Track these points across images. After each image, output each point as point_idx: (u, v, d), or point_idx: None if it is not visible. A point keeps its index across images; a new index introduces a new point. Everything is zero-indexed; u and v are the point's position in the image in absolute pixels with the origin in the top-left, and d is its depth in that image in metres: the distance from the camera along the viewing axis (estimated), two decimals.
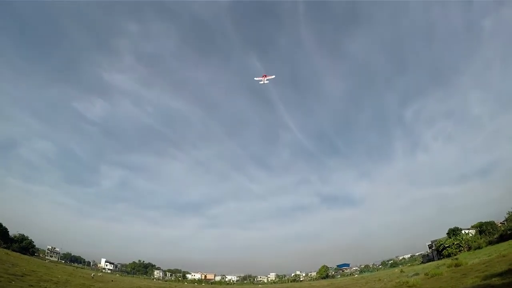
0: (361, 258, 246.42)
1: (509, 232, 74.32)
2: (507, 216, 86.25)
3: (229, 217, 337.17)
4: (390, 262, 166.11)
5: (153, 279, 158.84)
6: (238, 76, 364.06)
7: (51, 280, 49.75)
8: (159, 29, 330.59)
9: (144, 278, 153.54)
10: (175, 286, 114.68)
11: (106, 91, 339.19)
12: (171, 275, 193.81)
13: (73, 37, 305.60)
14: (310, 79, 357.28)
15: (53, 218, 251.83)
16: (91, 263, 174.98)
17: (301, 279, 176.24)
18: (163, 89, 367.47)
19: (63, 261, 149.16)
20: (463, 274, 34.98)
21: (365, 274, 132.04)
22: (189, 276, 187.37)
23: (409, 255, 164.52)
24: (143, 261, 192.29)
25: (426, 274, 46.24)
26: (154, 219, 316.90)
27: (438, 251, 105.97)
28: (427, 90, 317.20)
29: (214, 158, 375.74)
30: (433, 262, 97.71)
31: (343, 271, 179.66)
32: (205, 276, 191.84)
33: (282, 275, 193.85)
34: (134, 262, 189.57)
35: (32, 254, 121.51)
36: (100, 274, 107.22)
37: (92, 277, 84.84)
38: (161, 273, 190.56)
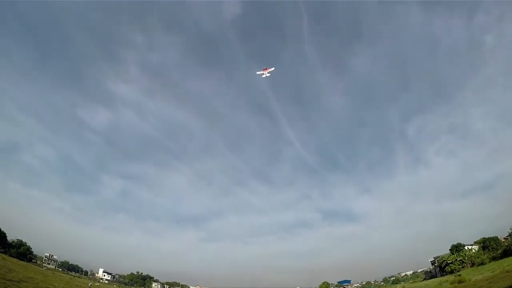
0: (362, 275, 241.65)
1: None
2: (510, 231, 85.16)
3: (229, 231, 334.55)
4: (392, 278, 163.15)
5: None
6: (241, 89, 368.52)
7: None
8: (164, 41, 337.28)
9: None
10: None
11: (110, 100, 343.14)
12: (169, 287, 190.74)
13: (80, 45, 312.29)
14: (313, 94, 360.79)
15: (52, 225, 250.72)
16: (88, 273, 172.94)
17: None
18: (167, 100, 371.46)
19: (61, 269, 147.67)
20: None
21: None
22: None
23: (411, 272, 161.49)
24: (141, 273, 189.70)
25: None
26: (153, 230, 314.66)
27: (440, 267, 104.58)
28: (430, 105, 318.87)
29: (215, 171, 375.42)
30: (436, 278, 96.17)
31: (344, 287, 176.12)
32: None
33: None
34: (132, 274, 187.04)
35: (30, 260, 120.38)
36: (97, 284, 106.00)
37: (89, 287, 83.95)
38: (159, 286, 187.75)
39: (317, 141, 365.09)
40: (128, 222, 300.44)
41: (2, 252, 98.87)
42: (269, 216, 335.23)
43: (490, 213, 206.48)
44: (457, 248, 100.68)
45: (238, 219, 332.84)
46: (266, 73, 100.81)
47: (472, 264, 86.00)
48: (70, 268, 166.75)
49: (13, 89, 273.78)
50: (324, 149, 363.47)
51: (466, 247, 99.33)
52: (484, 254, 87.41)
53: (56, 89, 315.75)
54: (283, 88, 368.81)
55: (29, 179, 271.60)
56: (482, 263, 78.46)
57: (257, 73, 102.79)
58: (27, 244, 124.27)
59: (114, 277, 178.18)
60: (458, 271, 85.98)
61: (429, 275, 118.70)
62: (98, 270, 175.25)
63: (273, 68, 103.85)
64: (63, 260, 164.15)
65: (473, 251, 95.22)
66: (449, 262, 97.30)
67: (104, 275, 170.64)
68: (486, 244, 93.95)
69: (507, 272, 40.07)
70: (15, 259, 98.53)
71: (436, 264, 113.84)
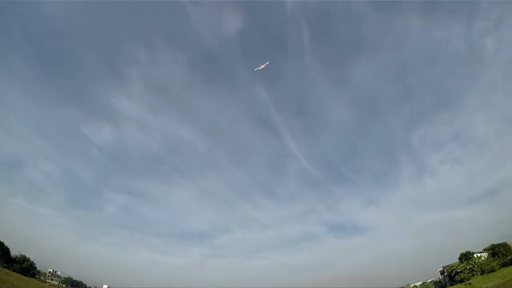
0: (370, 287, 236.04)
1: None
2: None
3: (234, 246, 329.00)
4: None
5: None
6: (244, 104, 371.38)
7: None
8: (167, 57, 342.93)
9: None
10: None
11: (114, 117, 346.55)
12: None
13: (85, 62, 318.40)
14: (315, 107, 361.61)
15: (56, 240, 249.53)
16: None
17: None
18: (170, 116, 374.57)
19: (64, 285, 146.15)
20: None
21: None
22: None
23: (420, 282, 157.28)
24: None
25: None
26: (157, 246, 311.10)
27: (450, 276, 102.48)
28: (432, 114, 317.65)
29: (219, 186, 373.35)
30: None
31: None
32: None
33: None
34: None
35: (33, 276, 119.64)
36: None
37: None
38: None
39: (321, 153, 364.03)
40: (132, 238, 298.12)
41: (5, 267, 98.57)
42: (275, 231, 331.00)
43: (498, 219, 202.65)
44: (466, 256, 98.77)
45: (243, 234, 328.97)
46: (262, 66, 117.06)
47: (482, 272, 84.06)
48: (73, 284, 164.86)
49: (18, 105, 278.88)
50: (328, 161, 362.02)
51: (475, 255, 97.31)
52: (493, 261, 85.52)
53: (61, 105, 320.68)
54: (286, 102, 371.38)
55: (33, 195, 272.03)
56: (492, 270, 76.77)
57: (255, 69, 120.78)
58: (31, 260, 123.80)
59: None
60: (468, 280, 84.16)
61: (439, 285, 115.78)
62: (102, 286, 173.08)
63: (267, 62, 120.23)
64: (66, 276, 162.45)
65: (483, 258, 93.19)
66: (458, 270, 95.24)
67: None
68: (495, 250, 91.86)
69: None
70: (19, 275, 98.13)
71: (445, 274, 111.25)
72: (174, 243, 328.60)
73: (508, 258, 78.69)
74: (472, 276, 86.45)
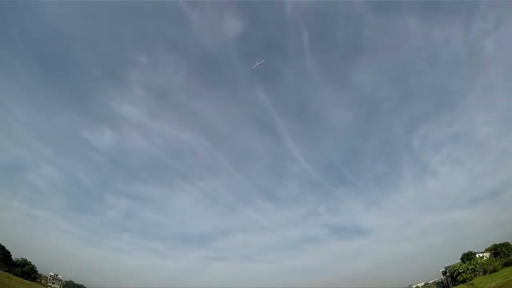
0: None
1: None
2: None
3: (236, 249, 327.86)
4: None
5: None
6: (245, 108, 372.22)
7: None
8: (168, 62, 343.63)
9: None
10: None
11: (115, 121, 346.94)
12: None
13: (85, 67, 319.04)
14: (316, 110, 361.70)
15: (57, 244, 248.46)
16: None
17: None
18: (171, 120, 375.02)
19: None
20: None
21: None
22: None
23: (422, 283, 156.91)
24: None
25: None
26: (159, 250, 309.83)
27: (452, 277, 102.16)
28: (433, 115, 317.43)
29: (221, 190, 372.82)
30: None
31: None
32: None
33: None
34: None
35: (34, 279, 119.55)
36: None
37: None
38: None
39: (322, 156, 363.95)
40: (133, 242, 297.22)
41: (6, 271, 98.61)
42: (276, 233, 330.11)
43: (499, 219, 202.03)
44: (468, 257, 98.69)
45: (245, 237, 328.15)
46: (257, 65, 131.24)
47: (484, 272, 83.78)
48: (75, 287, 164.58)
49: (20, 110, 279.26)
50: (329, 164, 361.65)
51: (477, 255, 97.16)
52: (496, 260, 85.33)
53: (62, 110, 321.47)
54: (286, 105, 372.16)
55: (34, 198, 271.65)
56: (495, 270, 76.53)
57: (253, 67, 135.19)
58: (32, 263, 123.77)
59: None
60: (471, 280, 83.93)
61: (441, 285, 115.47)
62: None
63: (263, 60, 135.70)
64: (68, 280, 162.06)
65: (485, 258, 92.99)
66: (460, 271, 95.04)
67: None
68: (497, 250, 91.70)
69: None
70: (20, 278, 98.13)
71: (447, 274, 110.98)
72: (176, 247, 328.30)
73: (510, 257, 78.56)
74: (474, 276, 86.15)
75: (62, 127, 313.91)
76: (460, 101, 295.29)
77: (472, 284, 75.16)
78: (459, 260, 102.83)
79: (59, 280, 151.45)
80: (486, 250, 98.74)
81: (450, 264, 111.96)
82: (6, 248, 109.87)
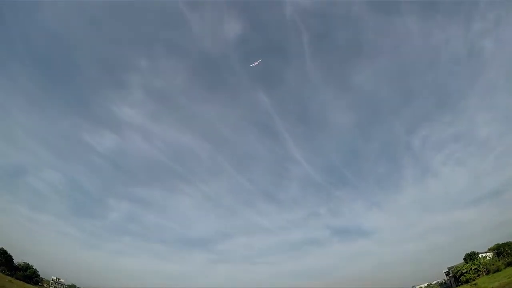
0: None
1: None
2: None
3: (238, 251, 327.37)
4: None
5: None
6: (246, 111, 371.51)
7: None
8: (168, 65, 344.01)
9: None
10: None
11: (116, 125, 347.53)
12: None
13: (86, 71, 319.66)
14: (317, 111, 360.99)
15: (59, 248, 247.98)
16: None
17: None
18: (172, 124, 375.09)
19: None
20: None
21: None
22: None
23: (425, 284, 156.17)
24: None
25: None
26: (161, 253, 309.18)
27: (455, 277, 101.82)
28: (434, 115, 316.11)
29: (222, 192, 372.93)
30: None
31: None
32: None
33: None
34: None
35: (36, 283, 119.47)
36: None
37: None
38: None
39: (323, 158, 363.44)
40: (135, 245, 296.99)
41: (8, 275, 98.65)
42: (278, 236, 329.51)
43: (502, 219, 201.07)
44: (471, 257, 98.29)
45: (247, 239, 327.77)
46: (255, 64, 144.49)
47: (488, 272, 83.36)
48: None
49: (21, 115, 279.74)
50: (330, 165, 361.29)
51: (480, 255, 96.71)
52: (499, 260, 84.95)
53: (63, 114, 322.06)
54: (287, 107, 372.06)
55: (36, 203, 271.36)
56: (498, 270, 76.23)
57: (251, 65, 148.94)
58: (34, 267, 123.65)
59: None
60: (474, 280, 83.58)
61: (444, 286, 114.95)
62: None
63: (260, 60, 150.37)
64: (70, 284, 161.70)
65: (488, 258, 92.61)
66: (463, 271, 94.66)
67: None
68: (500, 250, 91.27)
69: None
70: (22, 282, 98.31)
71: (450, 275, 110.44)
72: (178, 250, 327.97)
73: None
74: (477, 276, 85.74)
75: (63, 131, 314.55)
76: (461, 101, 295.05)
77: (475, 284, 74.88)
78: (462, 260, 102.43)
79: (61, 284, 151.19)
80: (489, 250, 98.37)
81: (453, 265, 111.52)
82: (8, 252, 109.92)
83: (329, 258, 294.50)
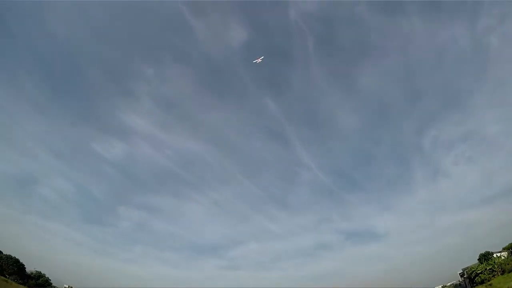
0: None
1: None
2: None
3: (249, 258, 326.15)
4: None
5: None
6: (253, 116, 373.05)
7: None
8: (174, 73, 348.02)
9: None
10: None
11: (125, 133, 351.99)
12: None
13: (94, 80, 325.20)
14: (324, 115, 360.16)
15: (70, 256, 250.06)
16: None
17: None
18: (181, 131, 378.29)
19: None
20: None
21: None
22: None
23: (440, 286, 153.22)
24: None
25: None
26: (172, 261, 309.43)
27: (470, 278, 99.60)
28: (442, 115, 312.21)
29: (232, 199, 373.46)
30: None
31: None
32: None
33: None
34: None
35: None
36: None
37: None
38: None
39: (333, 162, 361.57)
40: (146, 253, 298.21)
41: (21, 284, 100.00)
42: (289, 241, 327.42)
43: None
44: (485, 257, 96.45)
45: (258, 245, 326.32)
46: (258, 60, 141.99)
47: (503, 272, 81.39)
48: None
49: (30, 125, 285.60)
50: (340, 169, 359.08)
51: (494, 255, 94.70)
52: None
53: (72, 124, 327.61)
54: (295, 112, 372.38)
55: (46, 211, 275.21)
56: None
57: (253, 61, 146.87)
58: (46, 276, 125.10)
59: None
60: (489, 281, 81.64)
61: (459, 287, 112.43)
62: None
63: (262, 57, 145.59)
64: None
65: (503, 258, 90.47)
66: (478, 272, 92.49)
67: None
68: None
69: None
70: None
71: (465, 276, 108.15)
72: (189, 257, 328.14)
73: None
74: (492, 276, 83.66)
75: (73, 140, 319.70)
76: (469, 99, 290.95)
77: (490, 285, 73.21)
78: (477, 261, 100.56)
79: None
80: (504, 249, 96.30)
81: (467, 265, 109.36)
82: (20, 261, 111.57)
83: (342, 262, 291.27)
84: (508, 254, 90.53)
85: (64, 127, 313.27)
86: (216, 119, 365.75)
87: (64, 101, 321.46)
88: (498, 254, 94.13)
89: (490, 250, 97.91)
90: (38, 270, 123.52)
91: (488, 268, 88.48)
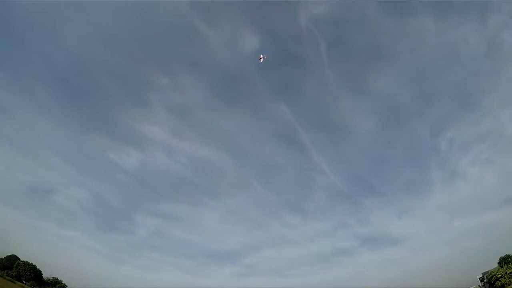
0: None
1: None
2: None
3: (265, 264, 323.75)
4: None
5: None
6: (267, 122, 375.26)
7: None
8: (187, 82, 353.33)
9: None
10: None
11: (140, 142, 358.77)
12: None
13: (108, 91, 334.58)
14: (338, 119, 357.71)
15: (86, 263, 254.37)
16: None
17: None
18: (195, 139, 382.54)
19: None
20: None
21: None
22: None
23: None
24: None
25: None
26: (188, 268, 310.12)
27: (490, 283, 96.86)
28: (458, 115, 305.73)
29: (248, 205, 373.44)
30: None
31: None
32: None
33: None
34: None
35: None
36: None
37: None
38: None
39: (348, 166, 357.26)
40: (162, 260, 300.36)
41: None
42: (306, 247, 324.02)
43: None
44: (505, 260, 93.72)
45: (274, 252, 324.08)
46: (262, 57, 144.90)
47: None
48: None
49: (47, 135, 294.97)
50: (356, 174, 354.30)
51: None
52: None
53: (87, 134, 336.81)
54: (309, 116, 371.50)
55: (63, 219, 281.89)
56: None
57: (259, 58, 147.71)
58: (63, 282, 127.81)
59: None
60: (510, 285, 78.87)
61: None
62: None
63: (265, 54, 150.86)
64: None
65: None
66: (498, 276, 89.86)
67: None
68: None
69: None
70: None
71: (485, 281, 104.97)
72: (205, 264, 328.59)
73: None
74: None
75: (88, 149, 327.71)
76: (484, 98, 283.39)
77: None
78: (497, 265, 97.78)
79: None
80: None
81: (487, 270, 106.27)
82: (37, 267, 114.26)
83: (359, 268, 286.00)
84: None
85: (80, 137, 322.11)
86: (230, 126, 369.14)
87: (79, 112, 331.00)
88: None
89: (511, 254, 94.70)
90: (55, 276, 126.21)
91: (508, 272, 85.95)
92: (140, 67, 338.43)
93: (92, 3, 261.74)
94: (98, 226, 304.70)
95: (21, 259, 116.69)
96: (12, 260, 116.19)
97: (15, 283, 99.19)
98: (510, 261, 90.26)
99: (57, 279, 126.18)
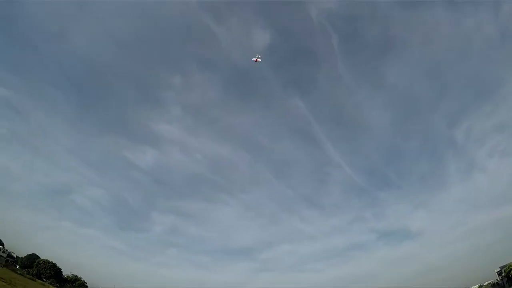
0: None
1: None
2: None
3: (282, 259, 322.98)
4: None
5: None
6: (281, 118, 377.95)
7: None
8: (201, 80, 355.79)
9: None
10: None
11: (156, 141, 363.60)
12: None
13: (123, 91, 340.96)
14: (353, 113, 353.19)
15: (105, 261, 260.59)
16: None
17: None
18: (209, 136, 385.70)
19: None
20: None
21: None
22: None
23: (477, 286, 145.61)
24: None
25: None
26: (205, 264, 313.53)
27: (508, 277, 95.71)
28: (474, 106, 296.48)
29: (264, 201, 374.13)
30: None
31: None
32: None
33: None
34: None
35: None
36: None
37: None
38: None
39: (364, 160, 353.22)
40: (179, 257, 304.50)
41: (58, 287, 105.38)
42: (322, 242, 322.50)
43: None
44: None
45: (291, 247, 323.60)
46: (257, 60, 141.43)
47: None
48: None
49: (63, 137, 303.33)
50: (372, 167, 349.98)
51: None
52: None
53: (104, 134, 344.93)
54: (323, 111, 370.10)
55: (81, 218, 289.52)
56: None
57: (252, 59, 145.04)
58: (82, 279, 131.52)
59: None
60: None
61: (497, 286, 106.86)
62: None
63: (260, 55, 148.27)
64: None
65: None
66: None
67: None
68: None
69: None
70: None
71: (503, 275, 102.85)
72: (221, 260, 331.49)
73: None
74: None
75: (105, 149, 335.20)
76: (500, 88, 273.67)
77: None
78: None
79: None
80: None
81: (505, 263, 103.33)
82: (57, 265, 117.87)
83: (375, 263, 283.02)
84: None
85: (96, 138, 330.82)
86: (244, 122, 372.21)
87: (94, 114, 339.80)
88: None
89: None
90: (74, 274, 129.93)
91: None
92: (153, 67, 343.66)
93: (102, 4, 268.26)
94: (115, 224, 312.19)
95: (41, 257, 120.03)
96: (32, 258, 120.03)
97: (35, 281, 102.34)
98: None
99: (76, 276, 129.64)
